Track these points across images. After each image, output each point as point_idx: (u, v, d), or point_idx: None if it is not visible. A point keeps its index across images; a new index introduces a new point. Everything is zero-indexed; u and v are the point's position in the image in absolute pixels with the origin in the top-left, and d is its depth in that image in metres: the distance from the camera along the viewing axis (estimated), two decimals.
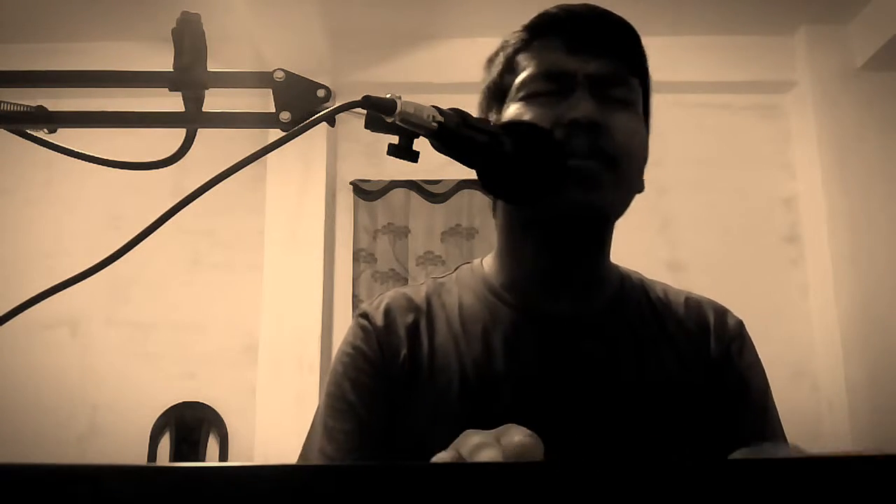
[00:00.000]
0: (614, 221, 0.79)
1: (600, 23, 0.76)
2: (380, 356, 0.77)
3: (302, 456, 0.80)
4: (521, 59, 0.77)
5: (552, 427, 0.74)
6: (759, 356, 0.82)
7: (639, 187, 0.79)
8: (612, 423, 0.73)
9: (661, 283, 0.85)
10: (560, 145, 0.67)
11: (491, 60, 0.82)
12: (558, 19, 0.76)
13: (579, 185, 0.70)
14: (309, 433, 0.80)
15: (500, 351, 0.75)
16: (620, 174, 0.73)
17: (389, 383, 0.76)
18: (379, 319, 0.79)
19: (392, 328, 0.78)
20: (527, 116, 0.73)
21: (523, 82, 0.76)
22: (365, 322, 0.80)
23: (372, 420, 0.75)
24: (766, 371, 0.81)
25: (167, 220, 0.52)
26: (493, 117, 0.79)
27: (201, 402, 3.25)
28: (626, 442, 0.72)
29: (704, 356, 0.78)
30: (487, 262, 0.84)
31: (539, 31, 0.77)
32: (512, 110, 0.76)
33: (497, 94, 0.79)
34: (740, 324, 0.82)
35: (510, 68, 0.78)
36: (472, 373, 0.74)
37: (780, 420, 0.80)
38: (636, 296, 0.82)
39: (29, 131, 0.60)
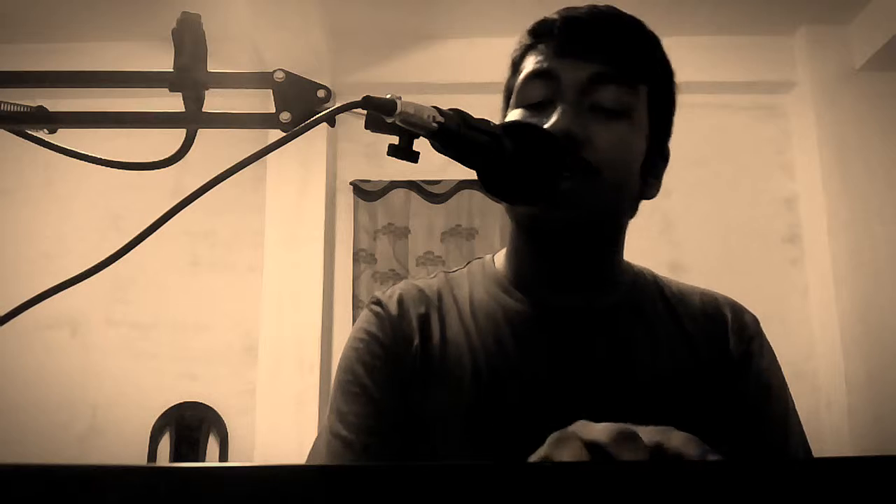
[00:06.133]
0: (621, 224, 0.78)
1: (596, 24, 0.75)
2: (393, 342, 0.77)
3: (314, 447, 0.80)
4: (523, 62, 0.78)
5: (564, 421, 0.74)
6: None
7: (647, 193, 0.79)
8: (625, 418, 0.72)
9: (674, 281, 0.85)
10: (561, 147, 0.67)
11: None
12: (553, 24, 0.76)
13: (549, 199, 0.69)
14: (321, 430, 0.80)
15: (511, 345, 0.76)
16: (601, 184, 0.71)
17: (403, 369, 0.76)
18: (393, 308, 0.79)
19: (405, 317, 0.78)
20: None
21: (518, 87, 0.77)
22: (378, 309, 0.80)
23: (386, 403, 0.74)
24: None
25: (167, 220, 0.52)
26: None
27: (201, 402, 3.25)
28: None
29: (723, 353, 0.78)
30: (499, 259, 0.84)
31: (537, 36, 0.77)
32: (508, 118, 0.77)
33: (507, 96, 0.81)
34: (757, 321, 0.82)
35: (514, 71, 0.79)
36: (485, 367, 0.74)
37: (798, 415, 0.80)
38: (650, 292, 0.82)
39: (29, 131, 0.60)
